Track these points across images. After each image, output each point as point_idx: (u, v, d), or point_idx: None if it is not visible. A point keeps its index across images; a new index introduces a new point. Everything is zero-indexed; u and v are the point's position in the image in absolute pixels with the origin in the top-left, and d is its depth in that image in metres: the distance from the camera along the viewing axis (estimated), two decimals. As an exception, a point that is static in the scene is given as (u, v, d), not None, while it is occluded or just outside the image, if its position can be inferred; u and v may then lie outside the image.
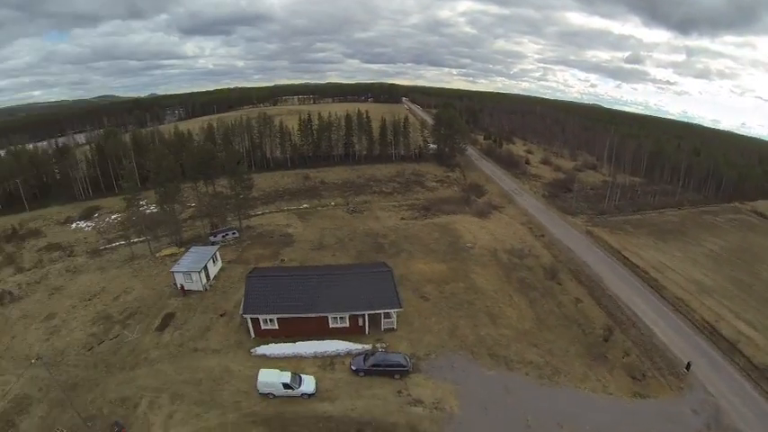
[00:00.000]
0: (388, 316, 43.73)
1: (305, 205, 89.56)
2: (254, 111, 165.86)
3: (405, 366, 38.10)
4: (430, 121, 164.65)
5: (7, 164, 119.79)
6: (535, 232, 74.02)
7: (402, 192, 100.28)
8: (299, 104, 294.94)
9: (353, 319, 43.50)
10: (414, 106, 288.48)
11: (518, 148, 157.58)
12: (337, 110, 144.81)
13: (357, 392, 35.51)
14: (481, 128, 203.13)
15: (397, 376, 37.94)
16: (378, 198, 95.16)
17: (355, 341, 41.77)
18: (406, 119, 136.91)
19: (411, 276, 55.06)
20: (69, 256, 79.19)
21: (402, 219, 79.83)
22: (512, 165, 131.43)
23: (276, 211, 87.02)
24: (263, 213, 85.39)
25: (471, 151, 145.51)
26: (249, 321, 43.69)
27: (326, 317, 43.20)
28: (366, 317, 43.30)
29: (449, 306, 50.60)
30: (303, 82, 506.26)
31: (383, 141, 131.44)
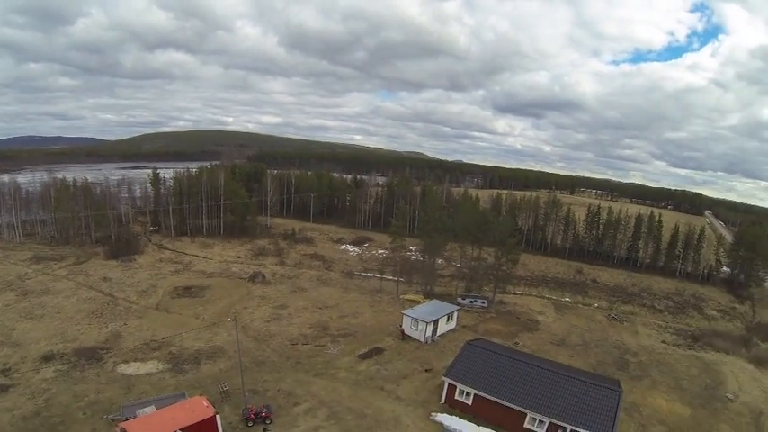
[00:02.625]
0: (591, 442, 45.28)
1: (567, 298, 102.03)
2: (548, 195, 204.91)
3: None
4: (729, 239, 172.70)
5: (309, 181, 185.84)
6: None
7: (674, 312, 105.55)
8: (595, 198, 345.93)
9: (553, 428, 44.56)
10: (716, 221, 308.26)
11: None
12: (630, 210, 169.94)
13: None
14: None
15: None
16: (645, 312, 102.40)
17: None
18: (702, 231, 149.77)
19: (643, 409, 56.39)
20: (326, 269, 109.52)
21: (663, 342, 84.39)
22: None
23: (535, 296, 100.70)
24: (521, 294, 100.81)
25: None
26: (446, 385, 50.35)
27: (525, 414, 45.61)
28: (568, 432, 45.73)
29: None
30: (604, 177, 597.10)
31: (670, 253, 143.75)
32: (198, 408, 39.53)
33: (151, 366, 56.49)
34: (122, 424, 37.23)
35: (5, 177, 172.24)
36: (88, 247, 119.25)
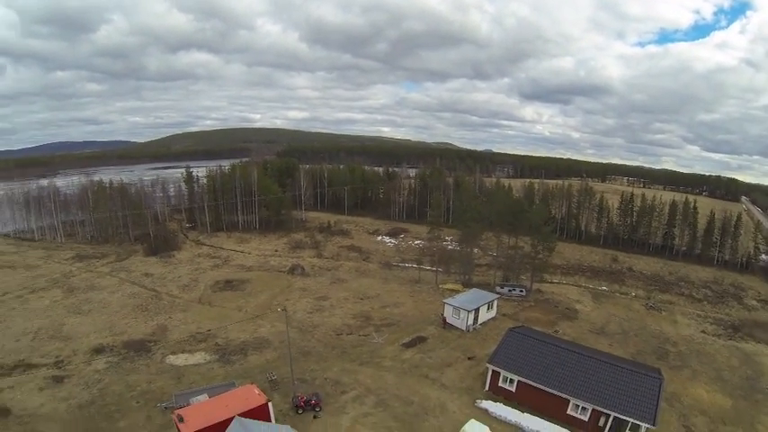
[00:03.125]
0: (635, 429, 44.74)
1: (603, 287, 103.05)
2: (580, 183, 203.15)
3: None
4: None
5: (342, 175, 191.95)
6: None
7: (713, 302, 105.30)
8: (627, 186, 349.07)
9: (596, 415, 46.34)
10: (753, 207, 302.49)
11: None
12: (664, 197, 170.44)
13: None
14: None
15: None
16: (683, 301, 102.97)
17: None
18: (739, 217, 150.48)
19: (683, 399, 57.84)
20: (364, 260, 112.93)
21: (702, 332, 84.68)
22: None
23: (572, 285, 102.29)
24: (558, 282, 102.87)
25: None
26: (489, 372, 52.49)
27: (568, 401, 47.40)
28: (611, 419, 45.63)
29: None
30: (636, 164, 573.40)
31: (707, 240, 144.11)
32: (250, 395, 41.69)
33: (199, 357, 59.34)
34: (179, 411, 39.26)
35: (44, 182, 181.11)
36: (127, 245, 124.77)
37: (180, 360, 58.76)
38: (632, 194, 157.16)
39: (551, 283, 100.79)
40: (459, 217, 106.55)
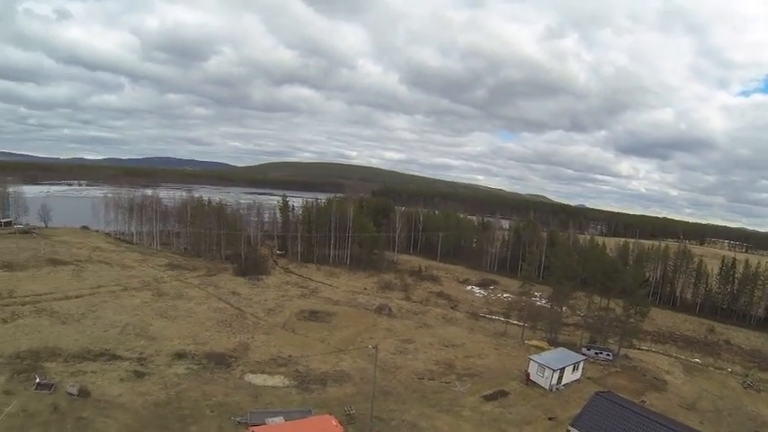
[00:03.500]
0: None
1: (696, 360, 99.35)
2: (677, 245, 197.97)
3: None
4: None
5: (437, 220, 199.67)
6: None
7: None
8: (728, 250, 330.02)
9: None
10: None
11: None
12: None
13: None
14: None
15: None
16: None
17: None
18: None
19: None
20: (452, 308, 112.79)
21: None
22: None
23: (662, 353, 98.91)
24: (647, 350, 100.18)
25: None
26: None
27: None
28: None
29: None
30: (739, 225, 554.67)
31: None
32: (327, 426, 40.76)
33: (278, 380, 59.39)
34: (254, 428, 39.42)
35: (148, 191, 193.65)
36: (218, 262, 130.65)
37: (259, 380, 59.01)
38: (734, 260, 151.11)
39: (640, 349, 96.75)
40: (553, 273, 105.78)
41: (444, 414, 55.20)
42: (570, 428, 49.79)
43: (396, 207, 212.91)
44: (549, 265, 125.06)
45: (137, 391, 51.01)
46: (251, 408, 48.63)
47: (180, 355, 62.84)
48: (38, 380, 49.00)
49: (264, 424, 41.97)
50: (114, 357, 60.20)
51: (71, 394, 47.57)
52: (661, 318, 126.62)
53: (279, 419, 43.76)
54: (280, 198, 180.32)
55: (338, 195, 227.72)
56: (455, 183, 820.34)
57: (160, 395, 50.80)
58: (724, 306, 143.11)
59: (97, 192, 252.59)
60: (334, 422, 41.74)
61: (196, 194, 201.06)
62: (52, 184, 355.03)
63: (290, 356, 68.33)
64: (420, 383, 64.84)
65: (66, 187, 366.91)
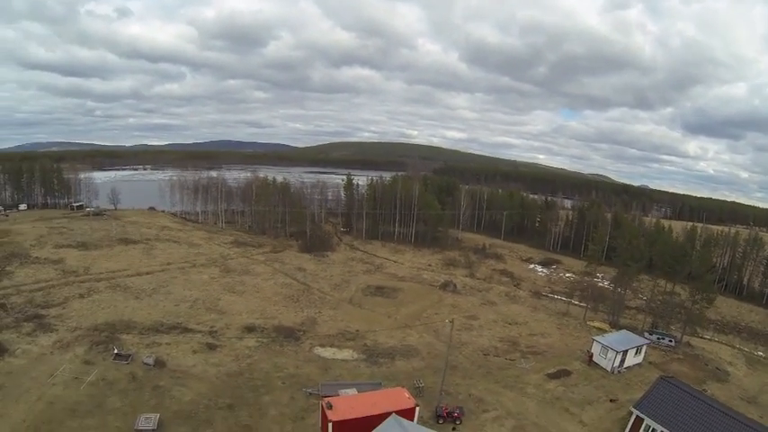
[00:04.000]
0: None
1: (760, 353, 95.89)
2: (746, 232, 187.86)
3: None
4: None
5: (501, 199, 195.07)
6: None
7: None
8: None
9: None
10: None
11: None
12: None
13: None
14: None
15: None
16: None
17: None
18: None
19: None
20: (515, 286, 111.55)
21: None
22: None
23: (724, 344, 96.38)
24: (710, 339, 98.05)
25: None
26: (633, 418, 51.12)
27: None
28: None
29: None
30: None
31: None
32: (400, 397, 41.80)
33: (347, 354, 60.83)
34: (328, 399, 39.98)
35: (213, 173, 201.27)
36: (283, 240, 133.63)
37: (328, 353, 60.52)
38: None
39: (702, 338, 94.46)
40: (618, 254, 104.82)
41: (509, 390, 56.18)
42: (633, 410, 50.21)
43: (459, 185, 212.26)
44: (615, 246, 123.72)
45: (209, 362, 53.27)
46: (322, 380, 49.78)
47: (249, 329, 64.89)
48: (115, 351, 52.02)
49: (337, 395, 42.59)
50: (186, 330, 62.80)
51: (147, 364, 50.26)
52: (726, 307, 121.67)
53: (352, 391, 44.72)
54: (342, 177, 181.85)
55: (400, 173, 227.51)
56: (516, 162, 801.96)
57: (232, 366, 52.85)
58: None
59: (162, 175, 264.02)
60: (407, 394, 42.74)
61: (261, 174, 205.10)
62: (119, 170, 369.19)
63: (357, 331, 69.76)
64: (485, 360, 65.55)
65: (131, 172, 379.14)
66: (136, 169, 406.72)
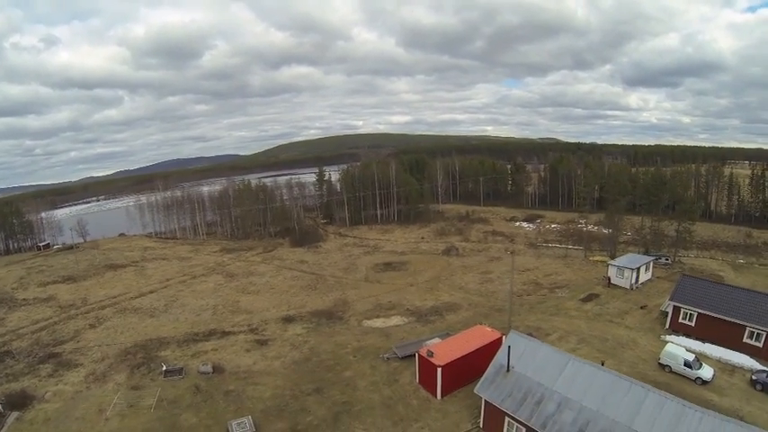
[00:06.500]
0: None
1: (740, 261, 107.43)
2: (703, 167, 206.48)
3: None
4: None
5: (473, 167, 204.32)
6: None
7: None
8: (750, 170, 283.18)
9: None
10: None
11: None
12: None
13: (748, 400, 43.51)
14: None
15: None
16: None
17: (763, 362, 50.65)
18: None
19: None
20: (511, 242, 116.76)
21: None
22: None
23: (708, 258, 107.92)
24: (695, 257, 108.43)
25: None
26: (671, 309, 58.66)
27: (744, 329, 53.01)
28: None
29: None
30: (756, 146, 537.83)
31: None
32: (485, 332, 45.57)
33: (396, 320, 63.01)
34: (427, 347, 42.42)
35: (186, 185, 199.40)
36: (269, 240, 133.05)
37: (378, 323, 62.51)
38: (764, 169, 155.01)
39: (689, 257, 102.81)
40: (609, 191, 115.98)
41: (556, 317, 62.88)
42: (670, 302, 58.51)
43: (429, 160, 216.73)
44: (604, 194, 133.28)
45: (269, 357, 52.85)
46: (394, 344, 51.36)
47: (287, 320, 65.17)
48: (164, 367, 49.30)
49: (419, 349, 43.52)
50: (225, 333, 61.83)
51: (205, 373, 48.12)
52: (701, 229, 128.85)
53: (436, 340, 47.18)
54: (292, 176, 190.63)
55: (354, 164, 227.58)
56: (466, 136, 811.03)
57: (295, 355, 52.89)
58: (757, 214, 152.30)
59: (118, 203, 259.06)
60: (489, 329, 46.26)
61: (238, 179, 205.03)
62: (71, 205, 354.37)
63: (389, 301, 71.74)
64: (521, 299, 70.74)
65: (85, 205, 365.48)
66: (89, 202, 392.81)
